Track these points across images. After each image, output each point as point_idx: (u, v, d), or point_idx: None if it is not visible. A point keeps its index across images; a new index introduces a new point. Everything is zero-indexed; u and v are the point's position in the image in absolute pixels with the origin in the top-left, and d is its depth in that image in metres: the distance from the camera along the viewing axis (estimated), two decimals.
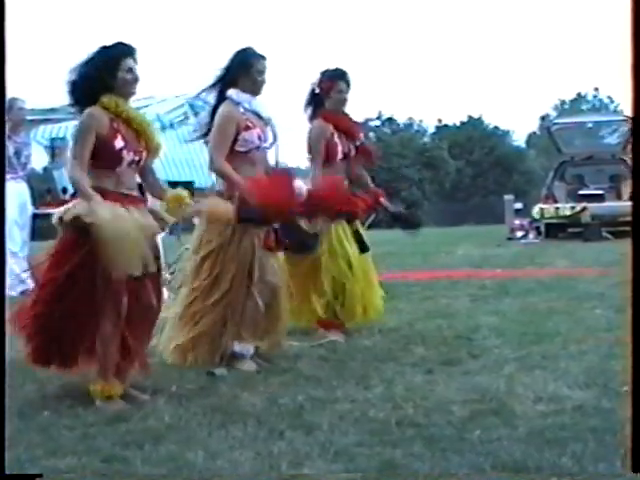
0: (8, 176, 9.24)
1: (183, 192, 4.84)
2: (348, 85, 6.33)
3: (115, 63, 4.55)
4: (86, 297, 4.48)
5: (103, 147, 4.50)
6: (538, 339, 5.92)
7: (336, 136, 6.30)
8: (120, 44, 4.61)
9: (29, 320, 4.61)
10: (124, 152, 4.55)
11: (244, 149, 5.37)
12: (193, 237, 5.49)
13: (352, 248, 6.26)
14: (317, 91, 6.27)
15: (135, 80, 4.64)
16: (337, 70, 6.34)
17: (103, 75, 4.51)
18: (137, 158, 4.64)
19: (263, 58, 5.47)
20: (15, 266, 9.26)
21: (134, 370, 4.77)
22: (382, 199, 6.67)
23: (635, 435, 2.98)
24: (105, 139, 4.50)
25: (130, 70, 4.61)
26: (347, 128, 6.41)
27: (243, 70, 5.41)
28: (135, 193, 4.70)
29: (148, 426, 4.09)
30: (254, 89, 5.46)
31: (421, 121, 53.01)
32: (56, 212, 4.59)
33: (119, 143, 4.53)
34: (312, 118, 6.35)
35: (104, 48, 4.57)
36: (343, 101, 6.37)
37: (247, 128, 5.38)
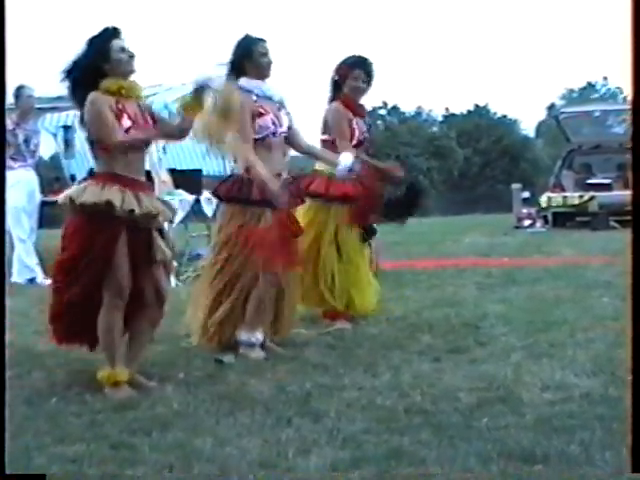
0: (17, 164, 9.28)
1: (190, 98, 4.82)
2: (368, 74, 6.29)
3: (105, 47, 4.53)
4: (96, 278, 4.49)
5: None
6: (545, 327, 5.92)
7: (355, 122, 6.30)
8: (106, 28, 4.59)
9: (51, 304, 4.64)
10: (132, 131, 4.52)
11: (260, 136, 5.41)
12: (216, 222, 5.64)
13: (350, 235, 6.26)
14: (336, 78, 6.26)
15: (131, 57, 4.60)
16: (354, 57, 6.31)
17: (97, 62, 4.50)
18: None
19: (263, 40, 5.51)
20: (23, 253, 9.29)
21: (141, 356, 4.80)
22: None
23: (635, 435, 2.98)
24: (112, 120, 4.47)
25: (122, 49, 4.58)
26: (363, 117, 6.45)
27: (246, 58, 5.45)
28: (143, 179, 4.69)
29: (156, 413, 4.10)
30: (261, 73, 5.49)
31: (430, 110, 52.97)
32: (65, 193, 4.59)
33: (126, 122, 4.50)
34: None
35: (91, 38, 4.56)
36: (358, 89, 6.30)
37: (260, 115, 5.42)
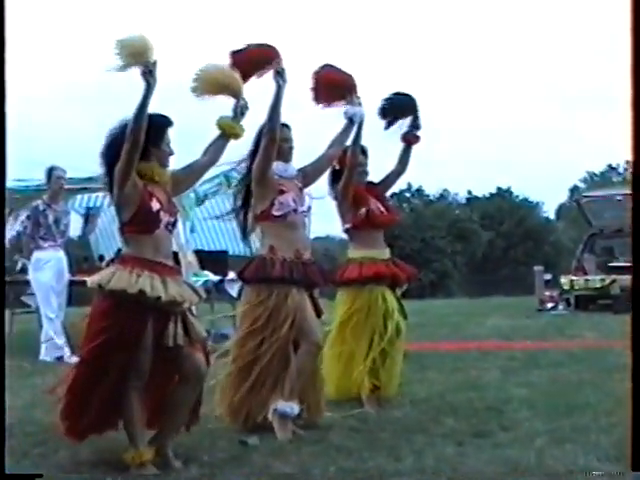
0: (47, 244, 9.44)
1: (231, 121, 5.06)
2: (366, 157, 6.49)
3: (161, 134, 4.66)
4: (122, 363, 4.52)
5: (140, 210, 4.54)
6: (568, 411, 5.90)
7: (378, 205, 6.47)
8: (162, 115, 4.69)
9: (69, 395, 4.64)
10: (161, 213, 4.60)
11: (281, 212, 5.52)
12: (241, 303, 5.75)
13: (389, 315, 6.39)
14: (337, 167, 6.36)
15: (171, 154, 4.76)
16: None
17: (147, 143, 4.53)
18: (172, 220, 4.71)
19: (287, 127, 5.66)
20: (51, 331, 9.37)
21: (176, 433, 4.82)
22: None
23: (635, 435, 2.98)
24: (142, 202, 4.55)
25: (169, 144, 4.74)
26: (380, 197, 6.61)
27: None
28: (171, 263, 4.75)
29: None
30: (283, 157, 5.64)
31: (456, 194, 53.32)
32: (94, 277, 4.61)
33: (156, 205, 4.59)
34: (335, 195, 6.47)
35: (149, 115, 4.52)
36: (364, 173, 6.52)
37: (281, 192, 5.55)
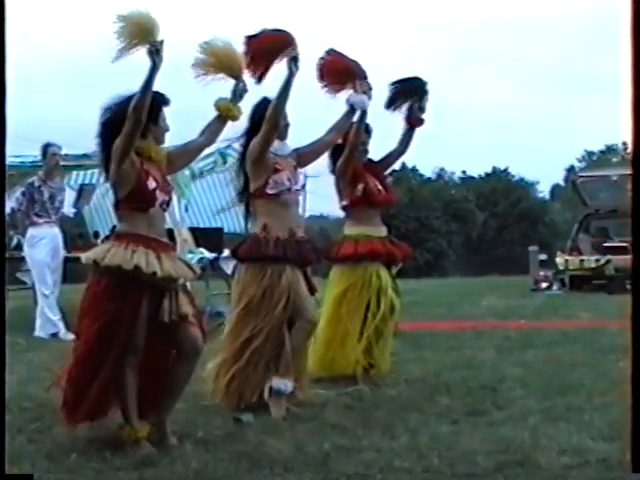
0: (42, 220, 9.43)
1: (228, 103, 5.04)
2: (369, 135, 6.51)
3: (158, 110, 4.64)
4: (120, 341, 4.51)
5: (136, 189, 4.54)
6: (562, 391, 5.93)
7: (376, 184, 6.49)
8: (159, 93, 4.65)
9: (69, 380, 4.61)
10: (157, 192, 4.60)
11: (275, 191, 5.51)
12: (235, 282, 5.70)
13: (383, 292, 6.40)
14: (340, 141, 6.33)
15: (167, 130, 4.75)
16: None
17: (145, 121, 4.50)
18: (167, 198, 4.70)
19: None
20: (46, 308, 9.38)
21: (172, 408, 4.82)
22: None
23: (635, 435, 2.99)
24: (138, 181, 4.55)
25: (164, 120, 4.72)
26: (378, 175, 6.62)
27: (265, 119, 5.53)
28: (165, 240, 4.76)
29: (175, 471, 4.13)
30: (279, 135, 5.60)
31: (453, 173, 53.37)
32: (89, 253, 4.60)
33: (152, 184, 4.59)
34: (333, 169, 6.48)
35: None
36: (365, 152, 6.55)
37: (276, 171, 5.53)
